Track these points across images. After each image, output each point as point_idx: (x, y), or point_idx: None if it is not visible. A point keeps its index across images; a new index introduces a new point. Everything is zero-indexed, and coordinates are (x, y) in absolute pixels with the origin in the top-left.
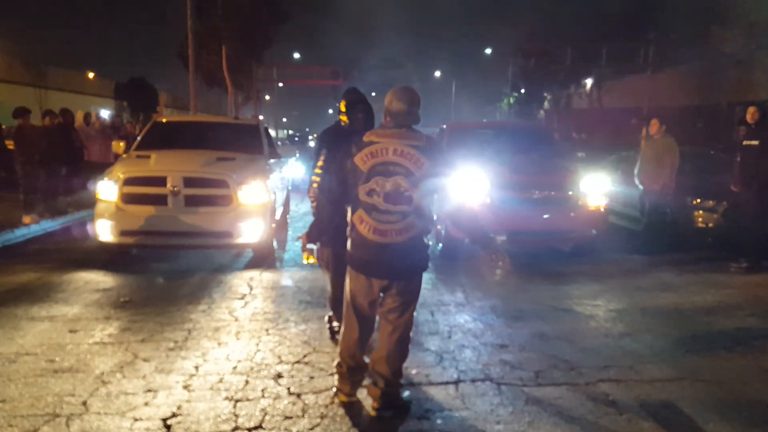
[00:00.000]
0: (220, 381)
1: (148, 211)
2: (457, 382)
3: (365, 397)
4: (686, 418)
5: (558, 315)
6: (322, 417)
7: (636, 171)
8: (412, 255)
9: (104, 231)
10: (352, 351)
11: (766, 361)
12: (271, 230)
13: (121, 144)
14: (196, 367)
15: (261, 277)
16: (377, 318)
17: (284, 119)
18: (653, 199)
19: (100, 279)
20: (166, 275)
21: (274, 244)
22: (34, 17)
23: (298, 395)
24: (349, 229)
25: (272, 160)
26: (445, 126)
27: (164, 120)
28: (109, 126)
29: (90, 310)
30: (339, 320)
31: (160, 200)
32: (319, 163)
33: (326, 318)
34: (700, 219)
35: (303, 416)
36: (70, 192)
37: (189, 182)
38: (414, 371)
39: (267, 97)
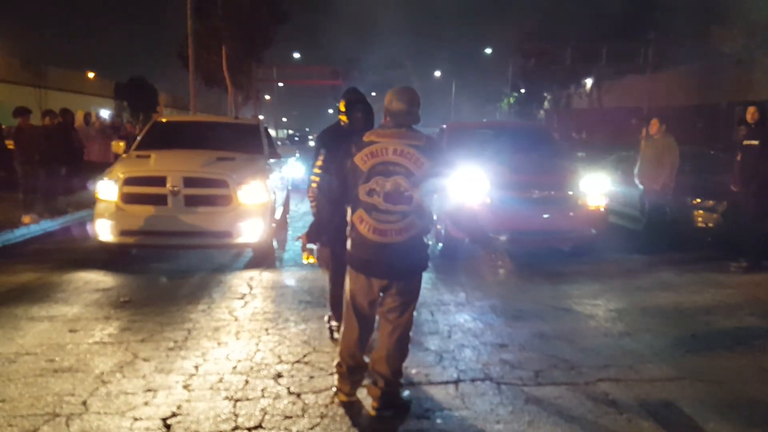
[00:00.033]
0: (220, 381)
1: (147, 211)
2: (456, 382)
3: (365, 397)
4: (686, 417)
5: (558, 314)
6: (322, 417)
7: (636, 171)
8: (412, 255)
9: (104, 231)
10: (352, 351)
11: (765, 361)
12: (271, 230)
13: (121, 144)
14: (196, 367)
15: (261, 277)
16: (377, 318)
17: (284, 119)
18: (653, 199)
19: (99, 279)
20: (166, 275)
21: (274, 243)
22: (34, 17)
23: (298, 395)
24: (349, 228)
25: (272, 160)
26: (445, 126)
27: (164, 120)
28: (108, 126)
29: (90, 310)
30: (338, 320)
31: (160, 200)
32: (318, 163)
33: (326, 318)
34: (700, 219)
35: (303, 416)
36: (70, 192)
37: (189, 182)
38: (414, 371)
39: (267, 97)
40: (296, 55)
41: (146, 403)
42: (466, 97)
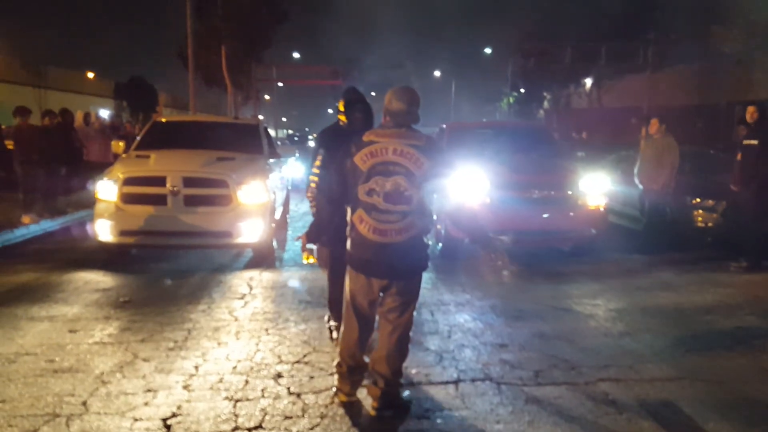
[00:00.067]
0: (220, 381)
1: (147, 211)
2: (457, 382)
3: (365, 397)
4: (686, 417)
5: (558, 314)
6: (322, 417)
7: (636, 170)
8: (412, 255)
9: (104, 231)
10: (352, 351)
11: (765, 361)
12: (270, 230)
13: (121, 144)
14: (196, 367)
15: (261, 277)
16: (377, 318)
17: (284, 119)
18: (653, 199)
19: (99, 279)
20: (165, 275)
21: (274, 243)
22: (34, 17)
23: (298, 395)
24: (348, 228)
25: (272, 160)
26: (444, 126)
27: (164, 120)
28: (108, 126)
29: (90, 310)
30: (337, 320)
31: (159, 200)
32: (317, 163)
33: (326, 318)
34: (700, 218)
35: (303, 416)
36: (70, 192)
37: (188, 182)
38: (414, 371)
39: (267, 97)
40: (296, 55)
41: (146, 404)
42: (466, 96)
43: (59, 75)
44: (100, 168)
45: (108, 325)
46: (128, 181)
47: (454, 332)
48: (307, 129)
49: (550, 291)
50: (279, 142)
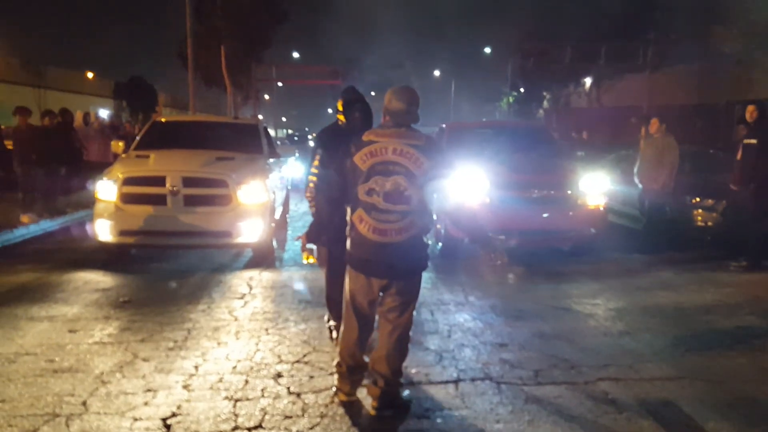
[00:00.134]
0: (220, 380)
1: (147, 211)
2: (456, 381)
3: (365, 397)
4: (686, 416)
5: (557, 314)
6: (322, 416)
7: (635, 170)
8: (412, 254)
9: (103, 231)
10: (352, 350)
11: (765, 360)
12: (270, 230)
13: (120, 144)
14: (196, 367)
15: (260, 277)
16: (377, 317)
17: (283, 119)
18: (653, 198)
19: (99, 279)
20: (165, 275)
21: (274, 243)
22: (33, 17)
23: (298, 395)
24: (348, 228)
25: (271, 160)
26: (444, 125)
27: (163, 120)
28: (108, 126)
29: (89, 310)
30: (336, 320)
31: (159, 200)
32: (315, 163)
33: (326, 317)
34: (700, 218)
35: (303, 415)
36: (70, 192)
37: (188, 182)
38: (414, 370)
39: (266, 97)
40: (296, 55)
41: (146, 403)
42: (466, 96)
43: (59, 75)
44: (99, 168)
45: (108, 325)
46: (128, 181)
47: (454, 332)
48: (306, 129)
49: (550, 290)
50: (279, 142)
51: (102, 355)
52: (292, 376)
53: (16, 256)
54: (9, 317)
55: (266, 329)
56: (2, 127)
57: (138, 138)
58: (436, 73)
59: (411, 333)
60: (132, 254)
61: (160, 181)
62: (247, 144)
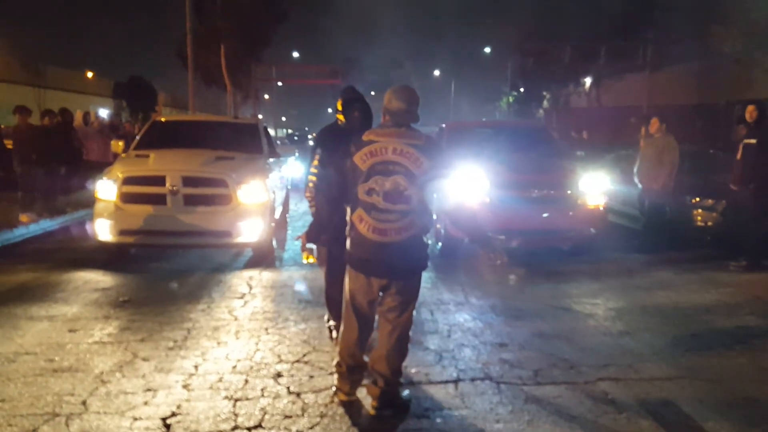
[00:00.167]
0: (220, 380)
1: (147, 211)
2: (456, 381)
3: (365, 396)
4: (685, 416)
5: (557, 314)
6: (322, 416)
7: (635, 170)
8: (412, 254)
9: (103, 230)
10: (352, 350)
11: (765, 360)
12: (270, 229)
13: (120, 143)
14: (196, 367)
15: (260, 277)
16: (377, 317)
17: (283, 118)
18: (652, 198)
19: (99, 278)
20: (165, 275)
21: (274, 243)
22: (33, 16)
23: (298, 394)
24: (348, 228)
25: (271, 160)
26: (444, 125)
27: (163, 119)
28: (107, 125)
29: (89, 310)
30: (336, 319)
31: (159, 199)
32: (315, 163)
33: (326, 317)
34: (699, 218)
35: (303, 415)
36: (69, 191)
37: (188, 181)
38: (413, 370)
39: (266, 97)
40: (295, 55)
41: (146, 403)
42: (466, 96)
43: (58, 74)
44: (99, 167)
45: (107, 324)
46: (128, 181)
47: (454, 331)
48: (306, 128)
49: (550, 290)
50: (278, 142)
51: (102, 354)
52: (291, 375)
53: (16, 255)
54: (9, 317)
55: (266, 329)
56: (2, 126)
57: (138, 137)
58: (436, 72)
59: (411, 333)
60: (132, 254)
61: (159, 180)
62: (246, 143)
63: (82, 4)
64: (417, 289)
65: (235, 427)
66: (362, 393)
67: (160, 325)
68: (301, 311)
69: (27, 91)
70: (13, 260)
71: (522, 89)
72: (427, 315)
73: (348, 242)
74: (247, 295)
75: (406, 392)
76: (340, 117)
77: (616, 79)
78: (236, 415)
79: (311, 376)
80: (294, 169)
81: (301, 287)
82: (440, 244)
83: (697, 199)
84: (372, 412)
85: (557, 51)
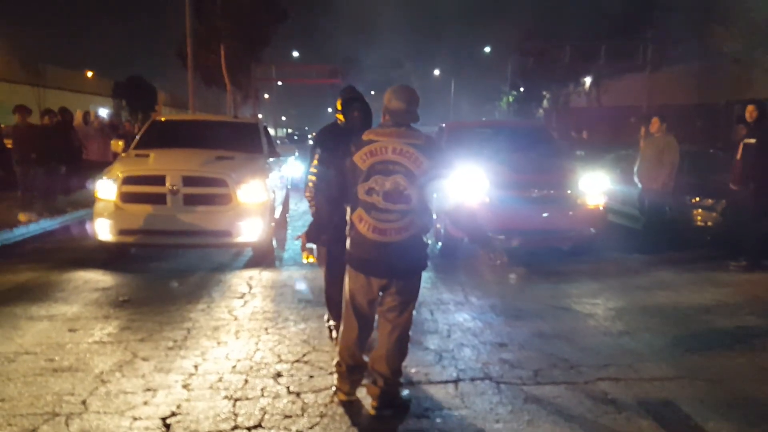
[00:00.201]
0: (220, 380)
1: (147, 210)
2: (456, 381)
3: (364, 396)
4: (685, 416)
5: (557, 314)
6: (322, 416)
7: (635, 169)
8: (412, 254)
9: (103, 230)
10: (352, 350)
11: (764, 360)
12: (270, 229)
13: (120, 143)
14: (196, 366)
15: (260, 276)
16: (376, 317)
17: (283, 118)
18: (652, 198)
19: (99, 278)
20: (165, 274)
21: (274, 243)
22: (33, 16)
23: (298, 394)
24: (348, 227)
25: (271, 159)
26: (444, 125)
27: (163, 119)
28: (107, 125)
29: (89, 309)
30: (335, 319)
31: (159, 199)
32: (314, 162)
33: (325, 317)
34: (699, 217)
35: (302, 415)
36: (69, 191)
37: (188, 181)
38: (413, 370)
39: (266, 96)
40: (295, 54)
41: (146, 403)
42: (465, 95)
43: (58, 74)
44: (99, 167)
45: (107, 324)
46: (127, 180)
47: (454, 331)
48: (306, 128)
49: (550, 290)
50: (278, 141)
51: (101, 354)
52: (291, 375)
53: (16, 255)
54: (9, 316)
55: (266, 329)
56: (2, 126)
57: (138, 137)
58: (436, 72)
59: (410, 332)
60: (132, 253)
61: (159, 180)
62: (246, 143)
63: (82, 4)
64: (417, 288)
65: (235, 427)
66: (362, 393)
67: (159, 324)
68: (300, 311)
69: (27, 90)
70: (13, 260)
71: (522, 89)
72: (427, 315)
73: (348, 242)
74: (246, 294)
75: (405, 392)
76: (340, 116)
77: (616, 79)
78: (236, 414)
79: (311, 376)
80: (294, 168)
81: (301, 287)
82: (440, 244)
83: (697, 199)
84: (372, 412)
85: (557, 51)
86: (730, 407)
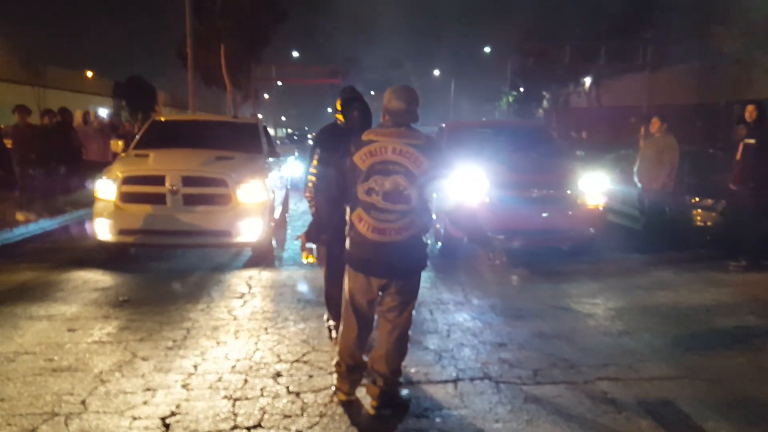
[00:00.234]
0: (219, 380)
1: (146, 210)
2: (455, 381)
3: (364, 396)
4: (685, 416)
5: (557, 314)
6: (321, 416)
7: (635, 169)
8: (411, 254)
9: (103, 230)
10: (351, 350)
11: (764, 360)
12: (270, 229)
13: (120, 143)
14: (195, 366)
15: (260, 276)
16: (376, 317)
17: (283, 118)
18: (652, 198)
19: (98, 278)
20: (164, 274)
21: (273, 243)
22: (33, 16)
23: (297, 394)
24: (348, 227)
25: (271, 159)
26: (444, 125)
27: (163, 119)
28: (107, 125)
29: (89, 309)
30: (335, 319)
31: (158, 199)
32: (314, 162)
33: (325, 317)
34: (699, 218)
35: (302, 415)
36: (69, 191)
37: (188, 181)
38: (413, 370)
39: (266, 96)
40: (295, 54)
41: (145, 403)
42: (465, 96)
43: (58, 74)
44: (99, 167)
45: (107, 324)
46: (127, 180)
47: (453, 331)
48: (306, 128)
49: (550, 290)
50: (278, 141)
51: (101, 354)
52: (291, 375)
53: (16, 254)
54: (8, 316)
55: (265, 328)
56: (2, 126)
57: (137, 137)
58: (436, 72)
59: (410, 332)
60: (131, 253)
61: (159, 180)
62: (246, 143)
63: (82, 4)
64: (416, 288)
65: (235, 427)
66: (362, 392)
67: (159, 324)
68: (300, 311)
69: (27, 90)
70: (12, 259)
71: (522, 89)
72: (426, 314)
73: (347, 242)
74: (246, 294)
75: (405, 392)
76: (340, 117)
77: (615, 79)
78: (235, 414)
79: (310, 376)
80: (294, 168)
81: (300, 287)
82: (440, 244)
83: (697, 199)
84: (371, 411)
85: (557, 51)
86: (730, 407)
